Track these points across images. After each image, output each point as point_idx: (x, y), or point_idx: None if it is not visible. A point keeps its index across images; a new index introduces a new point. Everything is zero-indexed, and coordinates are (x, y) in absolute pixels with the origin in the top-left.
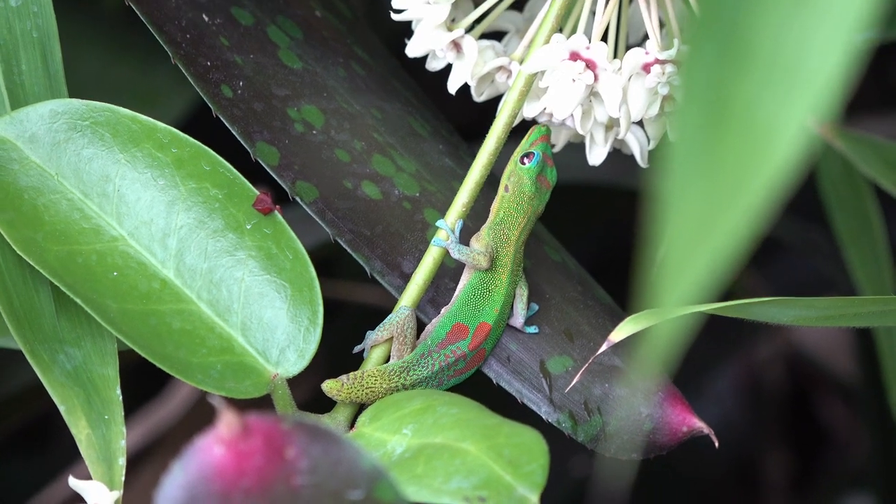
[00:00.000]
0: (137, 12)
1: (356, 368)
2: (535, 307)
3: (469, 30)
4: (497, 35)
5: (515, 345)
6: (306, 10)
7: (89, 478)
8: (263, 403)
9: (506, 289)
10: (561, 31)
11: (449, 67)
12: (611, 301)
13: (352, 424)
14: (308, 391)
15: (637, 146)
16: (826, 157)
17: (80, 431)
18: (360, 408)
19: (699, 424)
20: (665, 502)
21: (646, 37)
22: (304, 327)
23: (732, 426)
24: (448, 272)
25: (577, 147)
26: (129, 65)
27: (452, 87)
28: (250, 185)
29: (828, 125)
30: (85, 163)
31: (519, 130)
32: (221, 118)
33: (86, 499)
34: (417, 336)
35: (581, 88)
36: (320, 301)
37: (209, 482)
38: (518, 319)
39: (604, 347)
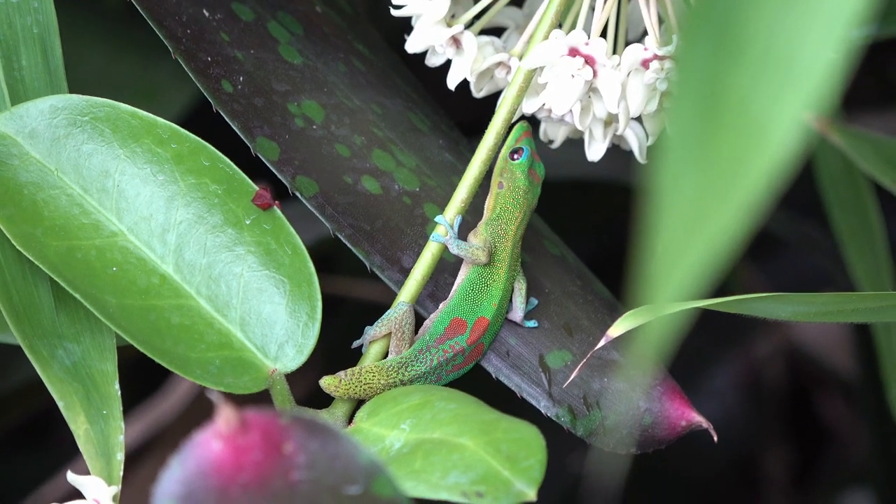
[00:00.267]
0: (138, 8)
1: (355, 364)
2: (535, 301)
3: (469, 26)
4: (496, 31)
5: (515, 339)
6: (307, 6)
7: (88, 473)
8: (262, 399)
9: (504, 283)
10: (560, 27)
11: (449, 63)
12: (610, 295)
13: (350, 420)
14: (307, 387)
15: (636, 142)
16: (825, 153)
17: (79, 427)
18: (359, 403)
19: (698, 419)
20: (665, 499)
21: (645, 33)
22: (303, 323)
23: (732, 423)
24: (447, 267)
25: (575, 143)
26: (131, 61)
27: (452, 82)
28: (249, 181)
29: (826, 121)
30: (85, 158)
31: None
32: (222, 113)
33: (84, 494)
34: (416, 332)
35: (580, 84)
36: (319, 296)
37: (207, 477)
38: (517, 314)
39: (602, 343)
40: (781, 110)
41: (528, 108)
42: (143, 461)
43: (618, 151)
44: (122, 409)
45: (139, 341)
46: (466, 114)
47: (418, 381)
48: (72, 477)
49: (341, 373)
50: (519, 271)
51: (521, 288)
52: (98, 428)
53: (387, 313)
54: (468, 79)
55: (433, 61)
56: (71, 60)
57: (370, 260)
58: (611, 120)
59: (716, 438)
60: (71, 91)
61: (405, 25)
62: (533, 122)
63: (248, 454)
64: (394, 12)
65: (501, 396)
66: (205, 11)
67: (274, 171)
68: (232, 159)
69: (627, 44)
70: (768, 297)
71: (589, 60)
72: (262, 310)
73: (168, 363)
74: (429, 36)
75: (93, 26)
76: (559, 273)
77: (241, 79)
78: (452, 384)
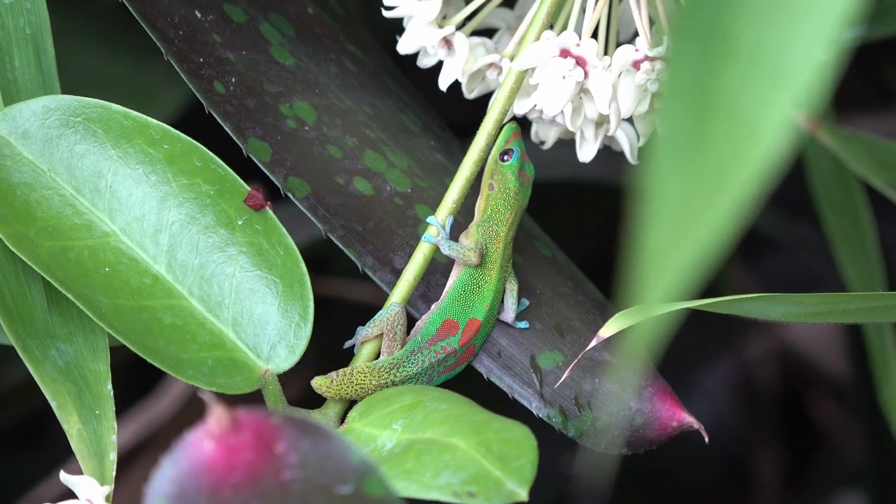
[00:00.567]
0: (130, 9)
1: (348, 366)
2: (526, 302)
3: (460, 27)
4: (488, 32)
5: (506, 340)
6: (299, 7)
7: (81, 473)
8: (254, 399)
9: (495, 285)
10: (551, 28)
11: (440, 64)
12: (601, 296)
13: (342, 420)
14: (299, 388)
15: (627, 143)
16: (816, 153)
17: (72, 426)
18: (351, 404)
19: (689, 419)
20: (658, 500)
21: (636, 34)
22: (295, 323)
23: (724, 425)
24: (439, 268)
25: (567, 144)
26: (123, 62)
27: (443, 83)
28: (242, 181)
29: (816, 122)
30: (77, 159)
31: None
32: (214, 114)
33: (77, 493)
34: (408, 333)
35: (571, 85)
36: (311, 297)
37: (199, 477)
38: (509, 315)
39: (593, 344)
40: (770, 110)
41: (520, 108)
42: (137, 462)
43: (609, 152)
44: (114, 409)
45: (131, 341)
46: (458, 115)
47: (410, 381)
48: (65, 477)
49: (333, 373)
50: (510, 272)
51: (512, 289)
52: (91, 428)
53: (378, 314)
54: (460, 80)
55: (425, 62)
56: (63, 61)
57: (362, 261)
58: (602, 121)
59: (707, 439)
60: (65, 92)
61: (397, 27)
62: (524, 122)
63: (239, 454)
64: (385, 13)
65: (493, 397)
66: (197, 13)
67: (266, 171)
68: (224, 160)
69: (618, 45)
70: (759, 298)
71: (580, 61)
72: (254, 310)
73: (160, 363)
74: (420, 37)
75: (85, 27)
76: (550, 274)
77: (233, 80)
78: (444, 385)
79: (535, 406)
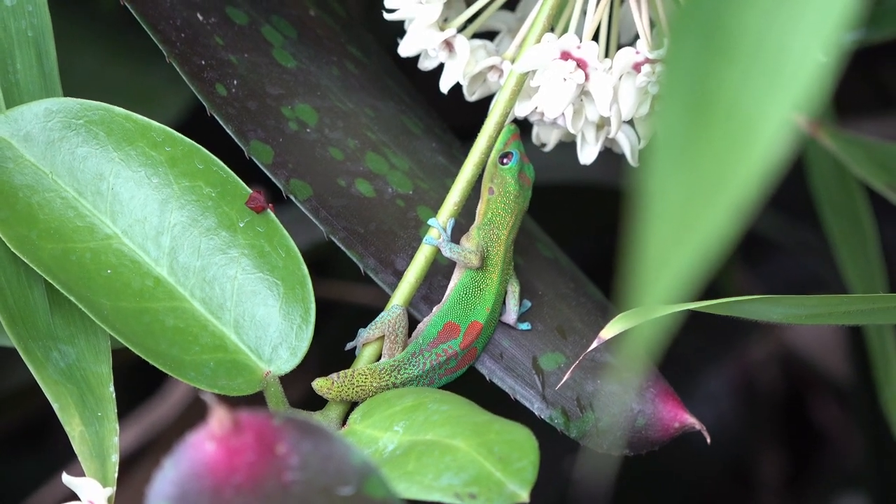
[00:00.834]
0: (132, 11)
1: (349, 368)
2: (528, 304)
3: (461, 29)
4: (489, 35)
5: (508, 341)
6: (300, 10)
7: (83, 475)
8: (256, 401)
9: (497, 287)
10: (552, 30)
11: (441, 67)
12: (602, 297)
13: (344, 422)
14: (302, 390)
15: (628, 145)
16: (817, 156)
17: (74, 428)
18: (353, 405)
19: (691, 420)
20: (659, 502)
21: (636, 37)
22: (297, 325)
23: (726, 427)
24: (441, 269)
25: (568, 146)
26: (126, 65)
27: (444, 86)
28: (243, 184)
29: (817, 124)
30: (79, 161)
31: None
32: (216, 117)
33: (79, 495)
34: (409, 335)
35: (572, 87)
36: (312, 299)
37: (200, 478)
38: (510, 316)
39: (594, 345)
40: (770, 111)
41: (521, 111)
42: (139, 464)
43: (610, 155)
44: (116, 411)
45: (133, 343)
46: (459, 117)
47: (411, 384)
48: (67, 479)
49: (334, 375)
50: (512, 274)
51: (514, 291)
52: (93, 430)
53: (380, 316)
54: (461, 82)
55: (426, 65)
56: (65, 64)
57: (364, 263)
58: (603, 123)
59: (709, 440)
60: (67, 95)
61: (398, 29)
62: (525, 125)
63: (241, 455)
64: (386, 16)
65: (495, 399)
66: (199, 15)
67: (268, 174)
68: (226, 163)
69: (619, 47)
70: (759, 300)
71: (581, 64)
72: (256, 312)
73: (162, 365)
74: (421, 39)
75: (87, 30)
76: (552, 275)
77: (235, 82)
78: (446, 387)
79: (537, 407)
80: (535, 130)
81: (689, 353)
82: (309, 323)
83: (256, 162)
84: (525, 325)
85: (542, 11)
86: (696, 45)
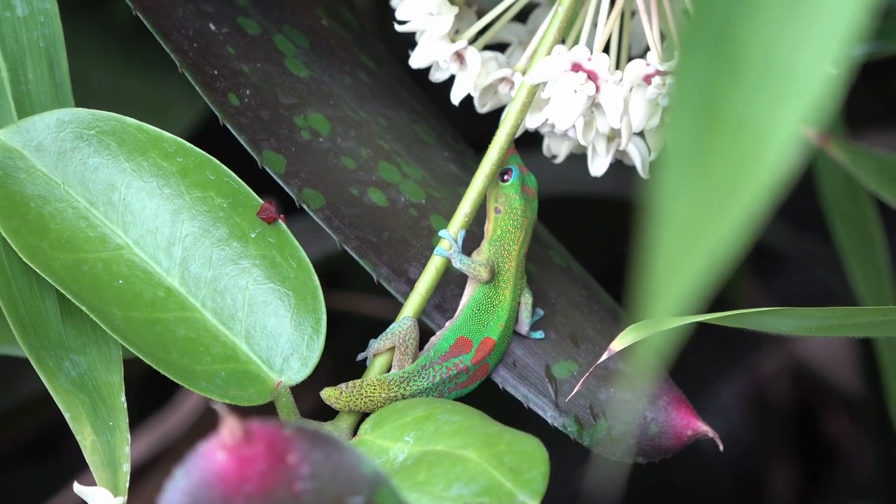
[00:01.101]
0: (144, 22)
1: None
2: (541, 312)
3: (472, 41)
4: (500, 47)
5: (521, 350)
6: (313, 20)
7: (94, 484)
8: (267, 411)
9: (510, 304)
10: (563, 42)
11: (453, 78)
12: (615, 305)
13: (354, 432)
14: (312, 401)
15: (638, 157)
16: (827, 168)
17: (85, 438)
18: (364, 416)
19: (704, 428)
20: None
21: (647, 49)
22: (308, 335)
23: (737, 439)
24: (454, 279)
25: (578, 158)
26: (137, 76)
27: (455, 98)
28: (254, 195)
29: (828, 137)
30: (91, 172)
31: (521, 141)
32: (228, 126)
33: None
34: (420, 347)
35: (583, 99)
36: (323, 309)
37: (212, 487)
38: (523, 327)
39: (605, 356)
40: (779, 124)
41: (532, 123)
42: (150, 474)
43: (621, 167)
44: (127, 420)
45: (145, 353)
46: (471, 128)
47: (420, 396)
48: (78, 488)
49: (343, 385)
50: (525, 287)
51: (527, 302)
52: (104, 439)
53: (391, 327)
54: (472, 94)
55: (437, 76)
56: (76, 75)
57: (377, 272)
58: (613, 135)
59: (721, 447)
60: (79, 106)
61: (410, 39)
62: (536, 136)
63: (252, 465)
64: (398, 28)
65: (508, 407)
66: (211, 25)
67: (281, 183)
68: (237, 173)
69: (630, 59)
70: (770, 312)
71: (592, 76)
72: (267, 323)
73: (173, 375)
74: (433, 51)
75: (98, 41)
76: (565, 284)
77: (248, 92)
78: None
79: (550, 415)
80: (545, 142)
81: (699, 365)
82: (320, 333)
83: (269, 171)
84: (538, 334)
85: (553, 23)
86: (706, 58)
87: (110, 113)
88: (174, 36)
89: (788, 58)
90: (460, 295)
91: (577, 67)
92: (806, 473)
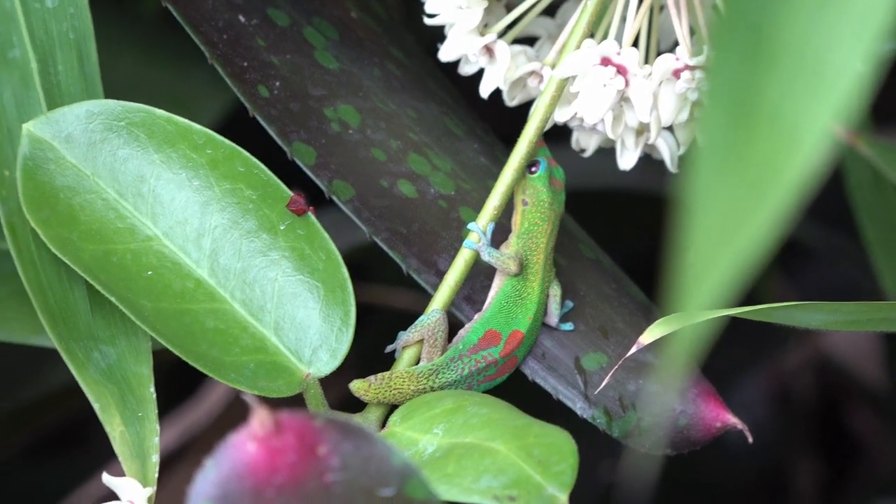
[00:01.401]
0: (174, 13)
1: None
2: (570, 304)
3: (501, 35)
4: (529, 40)
5: (550, 342)
6: (342, 12)
7: (123, 475)
8: (295, 403)
9: (538, 296)
10: (592, 37)
11: (482, 72)
12: (645, 298)
13: (383, 424)
14: (338, 393)
15: (667, 151)
16: (854, 163)
17: (114, 429)
18: (392, 408)
19: (733, 420)
20: None
21: (676, 43)
22: (337, 327)
23: (761, 434)
24: (483, 270)
25: (607, 152)
26: (164, 68)
27: (484, 91)
28: (284, 187)
29: (856, 133)
30: (120, 163)
31: (550, 135)
32: (258, 118)
33: (119, 495)
34: (449, 340)
35: (612, 93)
36: (353, 301)
37: (242, 479)
38: (552, 319)
39: (633, 349)
40: (812, 119)
41: (561, 116)
42: (177, 465)
43: (649, 161)
44: (156, 411)
45: (174, 344)
46: (500, 121)
47: (448, 389)
48: (107, 479)
49: (371, 377)
50: (553, 279)
51: (555, 294)
52: (133, 430)
53: (420, 319)
54: (501, 87)
55: (466, 70)
56: (106, 68)
57: (406, 263)
58: (642, 129)
59: (750, 439)
60: (106, 97)
61: (439, 32)
62: (564, 130)
63: (282, 456)
64: (427, 21)
65: (536, 399)
66: (241, 17)
67: (310, 175)
68: (266, 165)
69: (659, 54)
70: (798, 306)
71: (621, 70)
72: (296, 314)
73: (202, 366)
74: (462, 45)
75: (127, 34)
76: (594, 276)
77: (278, 84)
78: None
79: (579, 407)
80: (574, 136)
81: (723, 360)
82: (349, 325)
83: (299, 163)
84: (567, 326)
85: (583, 17)
86: (739, 53)
87: (140, 104)
88: (204, 27)
89: (821, 53)
90: (489, 286)
91: (606, 62)
92: (830, 468)
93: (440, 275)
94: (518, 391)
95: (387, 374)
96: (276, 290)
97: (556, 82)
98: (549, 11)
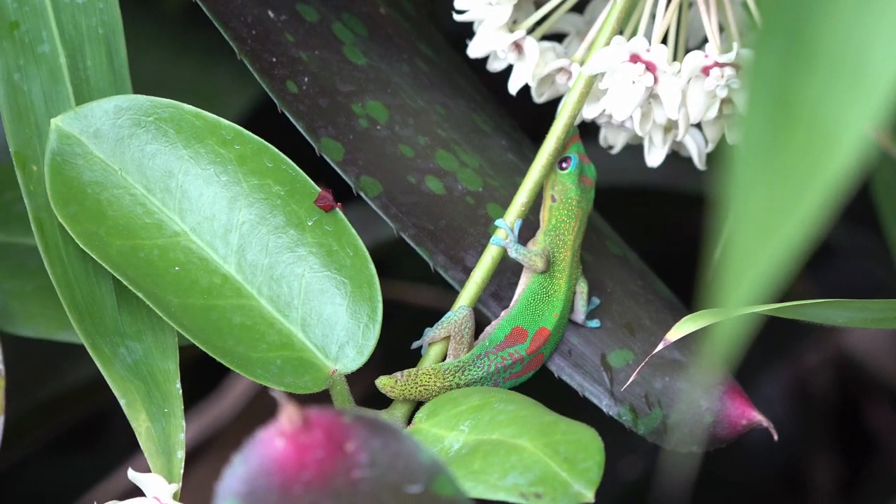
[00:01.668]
0: (204, 9)
1: (412, 368)
2: (597, 301)
3: (530, 31)
4: (557, 37)
5: (577, 338)
6: (371, 7)
7: (148, 471)
8: (321, 399)
9: (565, 294)
10: (621, 33)
11: (510, 68)
12: (671, 295)
13: (409, 421)
14: (362, 389)
15: (695, 148)
16: (879, 161)
17: (140, 425)
18: (418, 404)
19: (759, 418)
20: None
21: (705, 40)
22: (364, 324)
23: (781, 431)
24: (510, 266)
25: (634, 149)
26: (190, 64)
27: (513, 88)
28: (312, 183)
29: (883, 131)
30: (148, 158)
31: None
32: (287, 114)
33: (145, 491)
34: (476, 336)
35: (641, 90)
36: (380, 298)
37: (270, 475)
38: (579, 316)
39: (660, 346)
40: (852, 118)
41: (589, 113)
42: (200, 460)
43: (676, 158)
44: (182, 407)
45: (201, 340)
46: (528, 118)
47: (475, 385)
48: (132, 474)
49: (398, 374)
50: (580, 276)
51: (582, 291)
52: (159, 426)
53: (447, 316)
54: (529, 84)
55: (495, 66)
56: (132, 64)
57: (434, 259)
58: (670, 126)
59: (776, 437)
60: (134, 92)
61: (468, 28)
62: (592, 127)
63: (310, 452)
64: (456, 17)
65: (560, 396)
66: (270, 13)
67: (338, 170)
68: (293, 161)
69: (687, 51)
70: (825, 304)
71: (650, 67)
72: (323, 311)
73: (229, 362)
74: (491, 41)
75: (153, 30)
76: (621, 273)
77: (306, 79)
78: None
79: (605, 404)
80: (602, 132)
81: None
82: (376, 322)
83: (327, 159)
84: (594, 323)
85: (612, 14)
86: (778, 55)
87: (168, 100)
88: (233, 23)
89: (860, 55)
90: (516, 283)
91: (635, 58)
92: (849, 466)
93: (467, 271)
94: (544, 388)
95: (413, 370)
96: (304, 286)
97: (584, 79)
98: (578, 8)
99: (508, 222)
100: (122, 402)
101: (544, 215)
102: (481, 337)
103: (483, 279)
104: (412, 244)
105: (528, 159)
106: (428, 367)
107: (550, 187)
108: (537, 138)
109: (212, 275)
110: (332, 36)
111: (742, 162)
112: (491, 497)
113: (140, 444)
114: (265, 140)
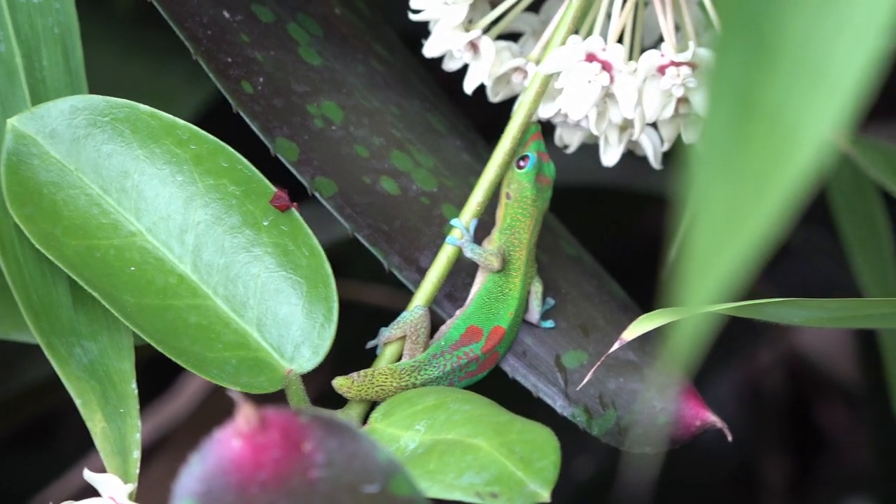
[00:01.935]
0: (159, 9)
1: (364, 368)
2: (552, 302)
3: (486, 31)
4: (513, 37)
5: (531, 339)
6: (326, 8)
7: (102, 471)
8: (277, 399)
9: (520, 292)
10: (577, 32)
11: (466, 67)
12: (625, 296)
13: (364, 420)
14: (318, 389)
15: (651, 148)
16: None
17: (96, 425)
18: (373, 404)
19: (712, 418)
20: None
21: (661, 39)
22: (319, 324)
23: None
24: (465, 267)
25: (590, 148)
26: (145, 64)
27: (469, 87)
28: (268, 182)
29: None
30: (104, 158)
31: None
32: (241, 114)
33: (100, 491)
34: (431, 336)
35: (596, 90)
36: (336, 298)
37: (227, 474)
38: (533, 316)
39: (616, 346)
40: (813, 119)
41: (545, 112)
42: (154, 459)
43: (632, 157)
44: (138, 407)
45: (156, 340)
46: (483, 117)
47: (431, 385)
48: (88, 475)
49: (354, 374)
50: (535, 276)
51: (536, 291)
52: (115, 426)
53: (402, 315)
54: (485, 83)
55: (450, 66)
56: (86, 63)
57: (388, 260)
58: (626, 125)
59: (730, 438)
60: (89, 93)
61: (422, 28)
62: (548, 126)
63: (267, 452)
64: (412, 17)
65: (517, 396)
66: (225, 13)
67: (293, 171)
68: (249, 160)
69: (643, 50)
70: (782, 303)
71: (606, 66)
72: (279, 310)
73: (185, 362)
74: (446, 40)
75: (106, 29)
76: (575, 273)
77: (261, 80)
78: (469, 386)
79: (559, 405)
80: (557, 132)
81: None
82: (332, 322)
83: (282, 159)
84: (548, 323)
85: (567, 14)
86: (740, 53)
87: (124, 100)
88: (188, 23)
89: (823, 53)
90: (471, 284)
91: (591, 58)
92: (800, 464)
93: (421, 272)
94: (500, 388)
95: (369, 370)
96: (259, 286)
97: (540, 78)
98: (534, 7)
99: (464, 222)
100: (77, 402)
101: (500, 213)
102: (436, 336)
103: (438, 279)
104: (367, 245)
105: (483, 159)
106: (384, 367)
107: (507, 185)
108: (493, 138)
109: (167, 275)
110: (288, 36)
111: (703, 161)
112: (447, 497)
113: (96, 444)
114: (221, 140)
